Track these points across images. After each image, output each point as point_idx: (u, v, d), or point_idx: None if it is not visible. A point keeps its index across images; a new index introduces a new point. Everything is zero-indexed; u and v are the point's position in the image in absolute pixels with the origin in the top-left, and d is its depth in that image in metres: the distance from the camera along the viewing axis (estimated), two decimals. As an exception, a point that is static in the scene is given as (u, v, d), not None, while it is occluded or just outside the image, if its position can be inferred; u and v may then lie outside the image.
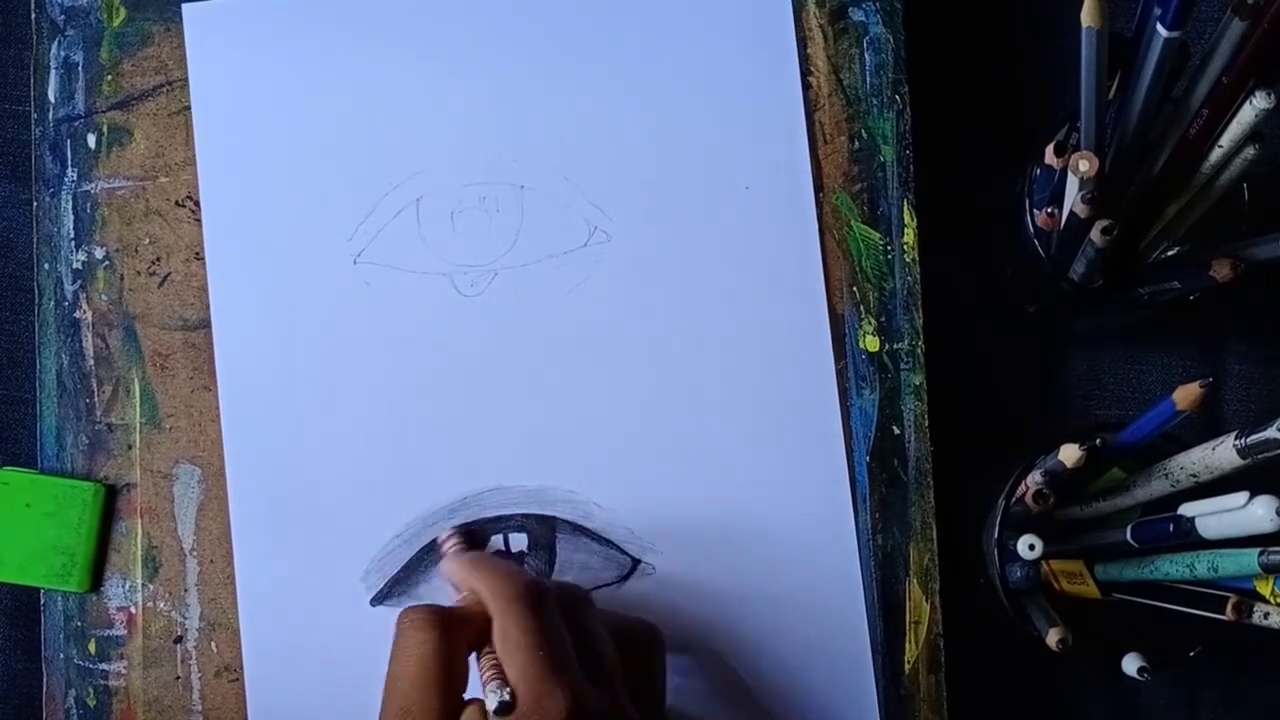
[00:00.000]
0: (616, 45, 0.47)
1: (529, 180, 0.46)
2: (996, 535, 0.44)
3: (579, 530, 0.45)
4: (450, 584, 0.41)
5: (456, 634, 0.37)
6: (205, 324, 0.46)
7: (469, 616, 0.38)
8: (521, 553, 0.44)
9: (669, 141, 0.46)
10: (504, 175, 0.46)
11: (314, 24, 0.47)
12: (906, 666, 0.45)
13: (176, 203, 0.46)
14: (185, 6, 0.46)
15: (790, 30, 0.47)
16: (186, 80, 0.47)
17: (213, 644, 0.45)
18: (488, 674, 0.36)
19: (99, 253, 0.46)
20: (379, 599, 0.45)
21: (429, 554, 0.45)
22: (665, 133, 0.46)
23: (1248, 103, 0.37)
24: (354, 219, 0.46)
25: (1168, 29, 0.36)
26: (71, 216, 0.46)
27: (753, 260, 0.46)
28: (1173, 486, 0.40)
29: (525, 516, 0.45)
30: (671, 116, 0.46)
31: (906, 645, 0.45)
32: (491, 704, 0.34)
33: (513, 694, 0.34)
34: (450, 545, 0.44)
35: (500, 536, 0.45)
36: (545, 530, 0.45)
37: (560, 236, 0.46)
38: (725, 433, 0.45)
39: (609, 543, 0.45)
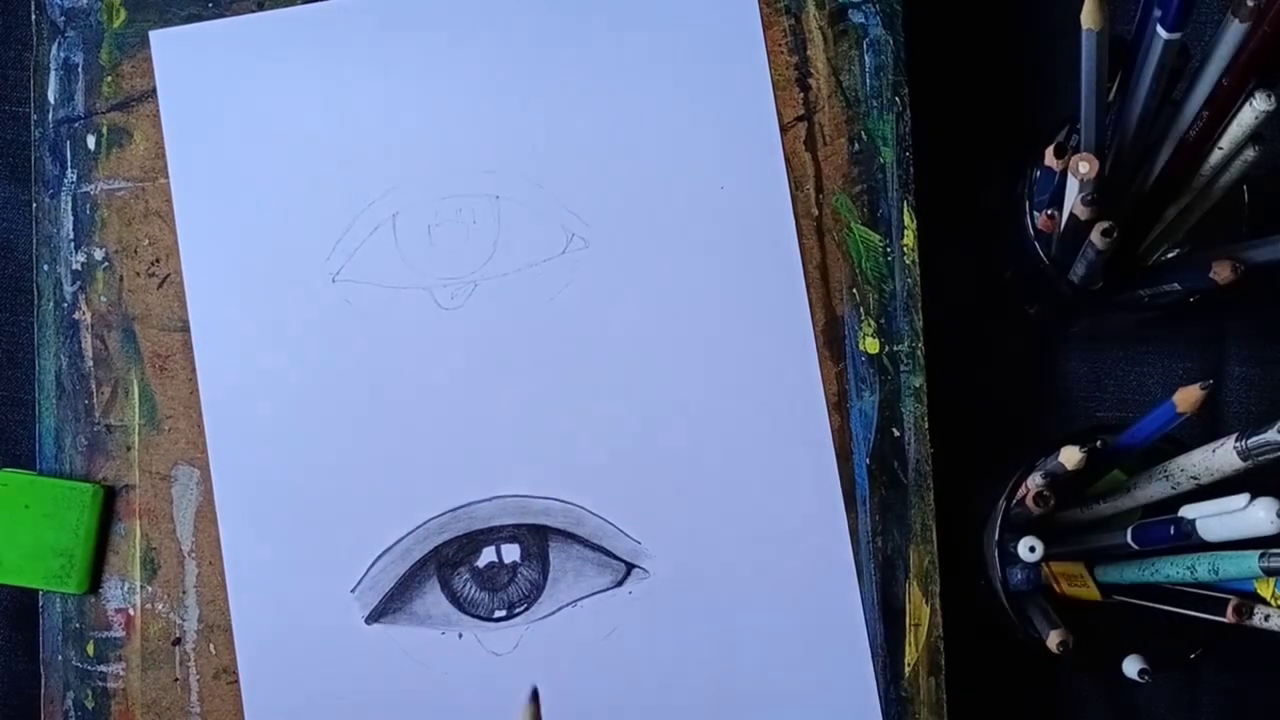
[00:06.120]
0: (585, 51, 0.47)
1: (504, 190, 0.46)
2: (997, 537, 0.44)
3: (571, 538, 0.45)
4: None
5: None
6: (204, 325, 0.46)
7: None
8: (515, 564, 0.44)
9: (642, 145, 0.46)
10: (479, 186, 0.46)
11: (281, 45, 0.46)
12: (906, 669, 0.45)
13: (176, 204, 0.46)
14: (153, 33, 0.46)
15: (758, 27, 0.46)
16: (186, 82, 0.47)
17: (211, 646, 0.45)
18: None
19: (98, 254, 0.46)
20: (374, 617, 0.45)
21: (422, 570, 0.45)
22: (638, 136, 0.46)
23: (1247, 104, 0.37)
24: (331, 238, 0.46)
25: (1168, 31, 0.36)
26: (71, 218, 0.46)
27: (732, 258, 0.46)
28: (1173, 488, 0.40)
29: (516, 527, 0.45)
30: (643, 119, 0.46)
31: (906, 648, 0.45)
32: None
33: None
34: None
35: (493, 548, 0.45)
36: (538, 540, 0.45)
37: (538, 245, 0.46)
38: (714, 434, 0.45)
39: (602, 549, 0.45)
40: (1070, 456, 0.40)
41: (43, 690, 0.45)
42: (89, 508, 0.45)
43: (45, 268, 0.46)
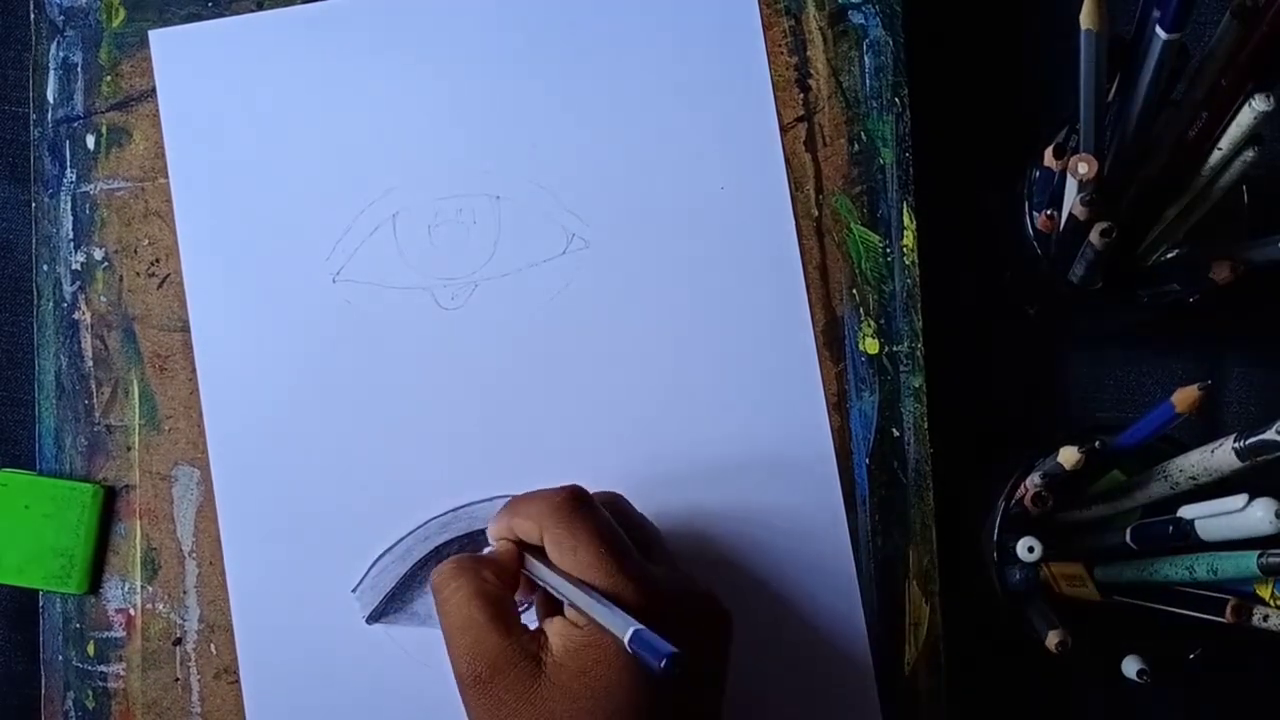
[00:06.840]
0: (585, 52, 0.47)
1: (504, 190, 0.46)
2: (996, 537, 0.44)
3: None
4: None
5: (488, 572, 0.38)
6: (204, 325, 0.46)
7: (495, 557, 0.39)
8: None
9: (642, 145, 0.46)
10: (479, 186, 0.46)
11: (281, 45, 0.47)
12: (906, 669, 0.45)
13: (176, 204, 0.46)
14: (152, 32, 0.46)
15: (758, 27, 0.46)
16: (186, 82, 0.47)
17: (211, 646, 0.45)
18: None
19: (98, 254, 0.46)
20: (375, 617, 0.45)
21: (423, 570, 0.45)
22: (638, 137, 0.46)
23: (1246, 105, 0.37)
24: (331, 238, 0.46)
25: (1167, 31, 0.36)
26: (70, 218, 0.46)
27: (732, 259, 0.46)
28: (1172, 489, 0.40)
29: None
30: (643, 120, 0.46)
31: (906, 647, 0.45)
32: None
33: None
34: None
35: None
36: None
37: (539, 245, 0.46)
38: (714, 434, 0.45)
39: None
40: (1069, 457, 0.40)
41: (43, 690, 0.45)
42: (89, 508, 0.45)
43: (45, 268, 0.46)
